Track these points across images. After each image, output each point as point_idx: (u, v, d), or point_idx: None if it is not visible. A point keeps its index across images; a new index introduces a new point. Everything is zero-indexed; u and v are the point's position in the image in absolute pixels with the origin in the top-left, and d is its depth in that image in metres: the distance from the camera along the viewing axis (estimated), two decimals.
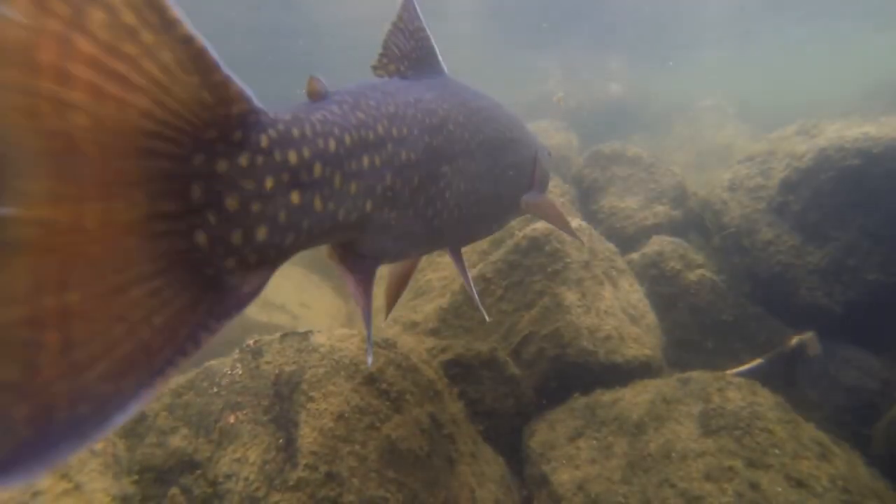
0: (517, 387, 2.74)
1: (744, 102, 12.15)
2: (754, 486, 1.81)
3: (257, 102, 0.83)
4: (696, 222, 4.78)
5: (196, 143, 0.74)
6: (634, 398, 2.41)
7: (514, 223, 3.18)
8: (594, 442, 2.31)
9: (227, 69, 0.75)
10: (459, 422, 2.25)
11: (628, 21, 15.85)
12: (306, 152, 0.93)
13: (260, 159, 0.83)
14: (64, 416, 0.63)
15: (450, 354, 2.68)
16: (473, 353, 2.68)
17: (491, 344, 2.83)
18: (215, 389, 2.09)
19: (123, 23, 0.63)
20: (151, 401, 1.64)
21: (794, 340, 3.47)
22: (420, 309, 3.31)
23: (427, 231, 1.39)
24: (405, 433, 1.92)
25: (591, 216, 5.16)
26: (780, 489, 1.78)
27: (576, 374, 2.77)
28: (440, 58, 1.62)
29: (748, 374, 3.09)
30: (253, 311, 4.49)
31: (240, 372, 2.10)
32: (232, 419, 2.02)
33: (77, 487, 1.70)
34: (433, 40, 1.59)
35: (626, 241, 4.71)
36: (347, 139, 1.04)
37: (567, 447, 2.36)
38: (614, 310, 3.10)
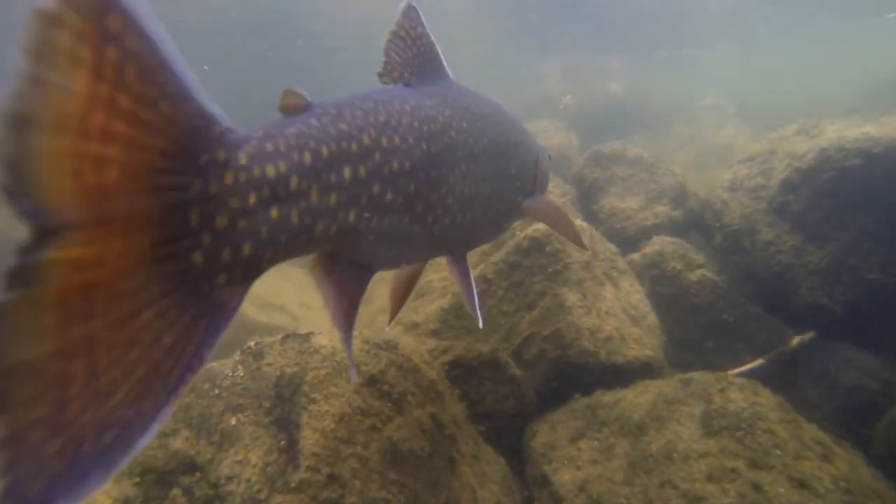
0: (518, 388, 2.74)
1: (744, 102, 12.16)
2: (756, 487, 1.81)
3: (227, 121, 0.86)
4: (696, 222, 4.78)
5: (195, 170, 0.78)
6: (636, 399, 2.41)
7: (514, 224, 3.18)
8: (595, 443, 2.31)
9: (203, 93, 0.78)
10: (461, 423, 2.25)
11: (619, 15, 15.81)
12: (283, 166, 0.93)
13: (242, 176, 0.85)
14: (92, 446, 0.65)
15: (451, 355, 2.68)
16: (475, 354, 2.68)
17: (492, 345, 2.83)
18: (216, 391, 2.09)
19: (147, 68, 0.68)
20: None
21: (795, 340, 3.48)
22: (421, 310, 3.31)
23: (427, 237, 1.39)
24: (407, 434, 1.92)
25: (591, 216, 5.16)
26: (782, 490, 1.78)
27: (577, 375, 2.77)
28: (445, 63, 1.61)
29: (749, 375, 3.09)
30: (254, 312, 4.49)
31: (241, 374, 2.10)
32: (233, 421, 2.02)
33: None
34: (437, 46, 1.58)
35: (627, 241, 4.72)
36: (325, 151, 1.03)
37: (568, 448, 2.36)
38: (615, 310, 3.10)
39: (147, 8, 0.67)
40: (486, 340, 2.94)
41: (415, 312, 3.30)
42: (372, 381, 2.00)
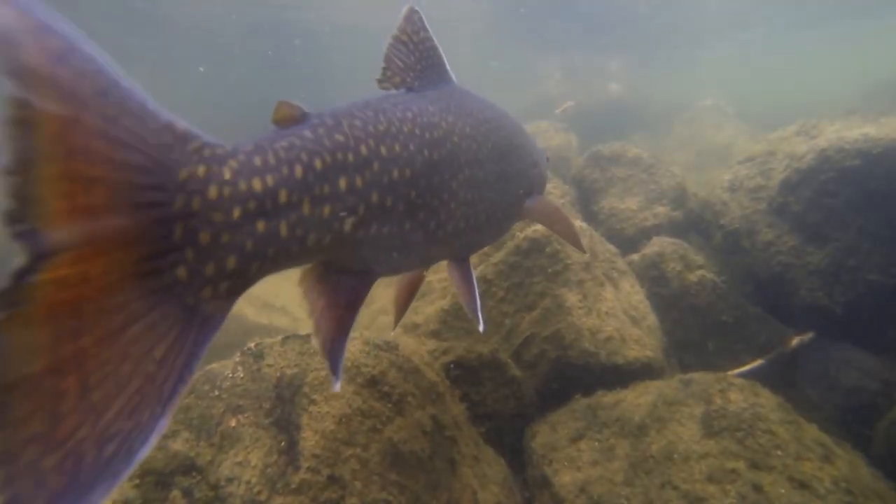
0: (519, 388, 2.74)
1: (743, 102, 12.17)
2: (757, 488, 1.81)
3: (210, 137, 0.87)
4: (696, 223, 4.78)
5: (175, 186, 0.79)
6: (636, 399, 2.40)
7: (514, 225, 3.18)
8: (596, 443, 2.31)
9: (166, 111, 0.80)
10: (461, 424, 2.25)
11: (618, 15, 15.80)
12: (271, 180, 0.93)
13: (226, 190, 0.86)
14: (93, 460, 0.66)
15: (451, 356, 2.68)
16: (475, 355, 2.68)
17: (492, 346, 2.83)
18: (216, 393, 2.08)
19: (100, 85, 0.68)
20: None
21: (795, 341, 3.48)
22: (421, 311, 3.31)
23: (430, 242, 1.38)
24: (407, 435, 1.91)
25: (591, 217, 5.16)
26: (783, 491, 1.78)
27: (577, 376, 2.77)
28: (448, 67, 1.60)
29: (749, 375, 3.09)
30: (253, 314, 4.49)
31: (241, 375, 2.10)
32: (233, 422, 2.01)
33: None
34: (440, 49, 1.57)
35: (627, 242, 4.72)
36: (318, 163, 1.03)
37: (569, 449, 2.36)
38: (615, 311, 3.10)
39: (81, 33, 0.68)
40: (487, 341, 2.94)
41: (415, 313, 3.29)
42: (372, 382, 2.00)
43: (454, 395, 2.37)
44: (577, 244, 2.07)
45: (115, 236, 0.70)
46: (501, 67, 21.65)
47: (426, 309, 3.32)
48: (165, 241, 0.77)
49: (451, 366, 2.64)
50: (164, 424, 0.74)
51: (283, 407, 1.97)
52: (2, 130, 0.61)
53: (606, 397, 2.54)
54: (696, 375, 2.41)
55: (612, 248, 3.67)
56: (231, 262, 0.86)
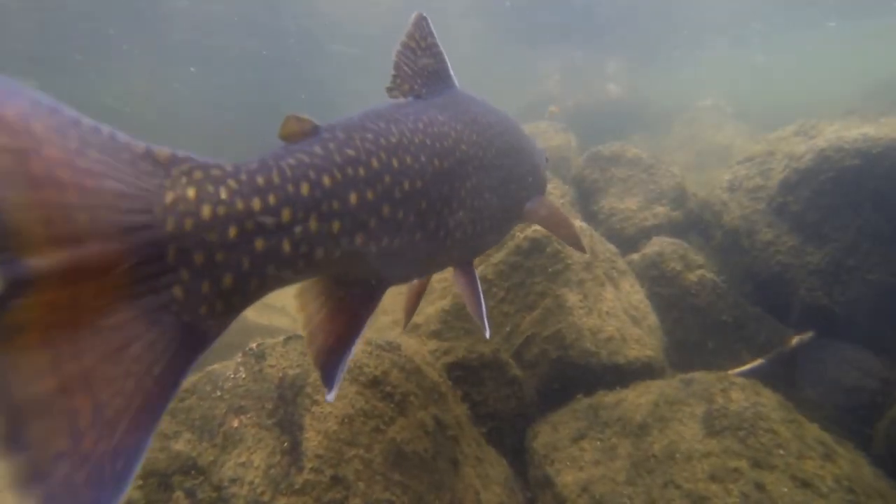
0: (520, 388, 2.74)
1: (742, 102, 12.20)
2: (760, 487, 1.81)
3: (205, 158, 0.89)
4: (695, 223, 4.79)
5: (163, 209, 0.81)
6: (637, 399, 2.41)
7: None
8: (598, 443, 2.31)
9: (139, 139, 0.82)
10: (463, 424, 2.25)
11: (618, 15, 15.81)
12: (272, 199, 0.94)
13: (221, 210, 0.87)
14: (110, 473, 0.70)
15: (453, 357, 2.68)
16: (476, 355, 2.68)
17: (493, 345, 2.83)
18: (218, 393, 2.08)
19: (58, 123, 0.71)
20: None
21: (795, 340, 3.49)
22: (421, 311, 3.31)
23: (439, 250, 1.39)
24: (410, 436, 1.92)
25: (590, 217, 5.17)
26: (785, 489, 1.79)
27: (578, 376, 2.78)
28: (451, 72, 1.61)
29: (749, 375, 3.10)
30: (253, 315, 4.49)
31: (243, 375, 2.10)
32: (236, 423, 2.01)
33: None
34: (445, 55, 1.58)
35: (626, 241, 4.72)
36: (327, 180, 1.04)
37: (570, 448, 2.36)
38: (616, 311, 3.11)
39: (26, 88, 0.70)
40: (488, 341, 2.94)
41: (415, 314, 3.30)
42: (375, 383, 2.00)
43: (456, 395, 2.38)
44: (578, 245, 2.08)
45: (102, 260, 0.73)
46: (501, 67, 21.67)
47: (427, 309, 3.32)
48: (158, 261, 0.80)
49: (453, 366, 2.64)
50: (151, 439, 0.78)
51: (286, 407, 1.97)
52: None
53: (608, 397, 2.55)
54: (698, 375, 2.42)
55: (612, 247, 3.67)
56: (227, 280, 0.88)
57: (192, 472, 1.89)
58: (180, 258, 0.82)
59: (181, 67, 18.70)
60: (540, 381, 2.84)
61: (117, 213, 0.75)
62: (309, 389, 1.95)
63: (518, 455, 2.62)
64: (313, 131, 1.08)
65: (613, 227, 5.00)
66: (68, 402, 0.68)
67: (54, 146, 0.69)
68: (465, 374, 2.66)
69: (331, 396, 1.10)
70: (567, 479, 2.21)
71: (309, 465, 1.74)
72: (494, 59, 21.07)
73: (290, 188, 0.97)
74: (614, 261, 3.54)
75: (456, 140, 1.41)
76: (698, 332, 3.81)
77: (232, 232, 0.88)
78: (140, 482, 1.87)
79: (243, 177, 0.92)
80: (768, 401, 2.16)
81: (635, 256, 4.14)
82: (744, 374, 3.08)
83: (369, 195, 1.12)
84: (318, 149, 1.05)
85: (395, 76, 1.48)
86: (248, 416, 2.01)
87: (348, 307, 1.18)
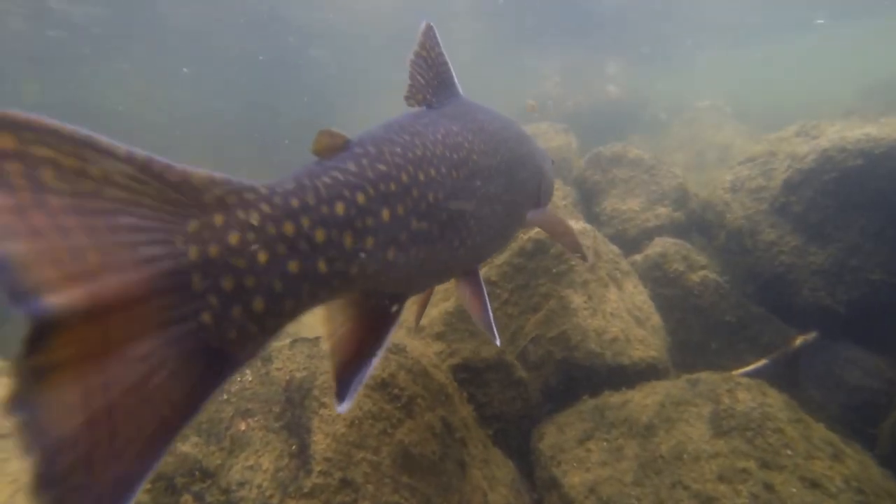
0: (525, 390, 2.74)
1: (742, 103, 12.23)
2: (769, 487, 1.81)
3: (242, 182, 0.88)
4: (697, 223, 4.80)
5: (186, 238, 0.80)
6: (643, 400, 2.41)
7: None
8: (604, 444, 2.31)
9: (183, 165, 0.81)
10: (470, 426, 2.25)
11: (617, 15, 15.81)
12: (305, 221, 0.94)
13: (251, 236, 0.86)
14: (122, 492, 0.72)
15: (458, 358, 2.68)
16: (481, 357, 2.68)
17: (498, 347, 2.83)
18: (225, 396, 2.08)
19: (69, 167, 0.71)
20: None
21: (798, 341, 3.49)
22: (425, 313, 3.30)
23: (454, 259, 1.40)
24: (418, 438, 1.91)
25: (592, 218, 5.17)
26: (794, 490, 1.79)
27: (583, 377, 2.78)
28: (456, 80, 1.62)
29: (753, 375, 3.10)
30: None
31: (249, 378, 2.09)
32: (243, 426, 2.01)
33: None
34: (450, 64, 1.59)
35: (629, 242, 4.73)
36: (361, 198, 1.04)
37: (577, 450, 2.36)
38: (620, 312, 3.11)
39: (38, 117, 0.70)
40: (492, 343, 2.94)
41: None
42: (382, 385, 1.99)
43: (462, 396, 2.37)
44: (579, 252, 2.09)
45: (121, 293, 0.73)
46: (501, 69, 21.70)
47: (430, 311, 3.32)
48: (183, 290, 0.79)
49: (458, 368, 2.64)
50: (160, 461, 0.78)
51: (293, 410, 1.96)
52: None
53: (613, 398, 2.54)
54: (703, 375, 2.42)
55: (615, 248, 3.68)
56: (258, 304, 0.87)
57: (200, 475, 1.89)
58: (207, 285, 0.81)
59: (177, 67, 18.72)
60: (545, 383, 2.84)
61: (129, 247, 0.75)
62: (316, 392, 1.94)
63: (524, 457, 2.61)
64: (345, 146, 1.08)
65: (616, 229, 5.00)
66: (92, 435, 0.69)
67: (59, 195, 0.70)
68: (471, 375, 2.65)
69: (343, 408, 1.07)
70: (574, 480, 2.21)
71: (318, 468, 1.74)
72: (494, 60, 21.09)
73: (325, 209, 0.97)
74: (618, 262, 3.54)
75: (469, 150, 1.42)
76: (701, 333, 3.81)
77: (262, 257, 0.87)
78: (148, 486, 1.86)
79: (277, 200, 0.91)
80: (775, 401, 2.16)
81: (638, 257, 4.14)
82: (748, 375, 3.08)
83: (400, 210, 1.12)
84: (351, 165, 1.06)
85: (410, 86, 1.49)
86: (256, 419, 2.01)
87: (372, 320, 1.18)
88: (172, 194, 0.80)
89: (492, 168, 1.55)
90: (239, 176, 0.91)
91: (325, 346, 1.18)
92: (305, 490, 1.70)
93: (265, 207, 0.89)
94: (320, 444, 1.80)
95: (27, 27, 13.85)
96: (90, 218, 0.72)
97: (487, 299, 1.63)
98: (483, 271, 3.25)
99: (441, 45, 1.57)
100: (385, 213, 1.09)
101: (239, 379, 2.10)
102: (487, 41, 18.27)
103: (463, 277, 1.66)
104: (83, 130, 0.72)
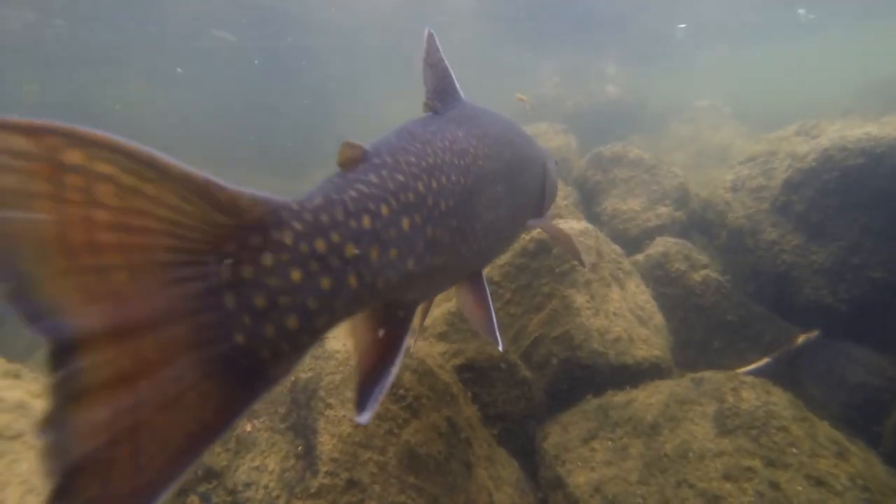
0: (529, 389, 2.74)
1: (741, 103, 12.25)
2: (774, 486, 1.82)
3: (279, 200, 0.88)
4: (698, 223, 4.81)
5: (220, 258, 0.80)
6: (647, 399, 2.41)
7: None
8: (609, 443, 2.31)
9: (233, 185, 0.82)
10: (475, 425, 2.25)
11: (616, 16, 15.82)
12: (336, 237, 0.94)
13: (285, 256, 0.86)
14: None
15: (462, 359, 2.68)
16: (485, 357, 2.68)
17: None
18: None
19: (127, 185, 0.71)
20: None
21: (800, 339, 3.50)
22: (428, 313, 3.31)
23: (462, 265, 1.41)
24: (424, 438, 1.92)
25: (593, 218, 5.18)
26: (800, 488, 1.79)
27: (586, 376, 2.78)
28: (457, 84, 1.63)
29: (755, 374, 3.10)
30: None
31: None
32: (249, 427, 2.01)
33: None
34: (451, 69, 1.61)
35: (630, 242, 4.74)
36: (384, 210, 1.04)
37: (581, 449, 2.36)
38: (623, 311, 3.11)
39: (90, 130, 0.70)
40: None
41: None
42: None
43: (467, 396, 2.38)
44: (578, 258, 2.11)
45: (153, 313, 0.73)
46: (501, 69, 21.71)
47: (432, 311, 3.32)
48: (216, 310, 0.79)
49: (462, 368, 2.64)
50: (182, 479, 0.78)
51: (299, 411, 1.97)
52: None
53: (617, 397, 2.55)
54: (707, 374, 2.42)
55: (617, 248, 3.68)
56: (292, 322, 0.87)
57: (207, 476, 1.89)
58: (241, 304, 0.81)
59: (172, 67, 18.70)
60: (548, 382, 2.84)
61: (162, 266, 0.75)
62: (322, 393, 1.95)
63: (528, 456, 2.62)
64: (364, 157, 1.08)
65: (617, 228, 5.01)
66: (113, 454, 0.69)
67: (107, 210, 0.70)
68: (475, 375, 2.66)
69: (365, 419, 1.05)
70: (579, 479, 2.21)
71: (324, 469, 1.74)
72: (494, 61, 21.11)
73: (353, 223, 0.97)
74: (620, 261, 3.55)
75: (474, 156, 1.43)
76: (703, 332, 3.82)
77: (295, 276, 0.87)
78: None
79: (308, 216, 0.91)
80: (779, 399, 2.17)
81: (640, 257, 4.15)
82: (750, 374, 3.08)
83: (418, 219, 1.13)
84: (373, 177, 1.06)
85: (427, 93, 1.51)
86: (261, 420, 2.01)
87: (392, 329, 1.19)
88: (217, 216, 0.79)
89: (496, 171, 1.56)
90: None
91: (355, 359, 1.18)
92: (312, 490, 1.70)
93: (297, 225, 0.89)
94: (326, 444, 1.80)
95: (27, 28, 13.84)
96: (128, 235, 0.72)
97: (491, 304, 1.62)
98: (486, 272, 3.25)
99: (441, 50, 1.59)
100: (405, 223, 1.09)
101: None
102: (487, 41, 18.29)
103: (466, 282, 1.66)
104: (146, 148, 0.71)
